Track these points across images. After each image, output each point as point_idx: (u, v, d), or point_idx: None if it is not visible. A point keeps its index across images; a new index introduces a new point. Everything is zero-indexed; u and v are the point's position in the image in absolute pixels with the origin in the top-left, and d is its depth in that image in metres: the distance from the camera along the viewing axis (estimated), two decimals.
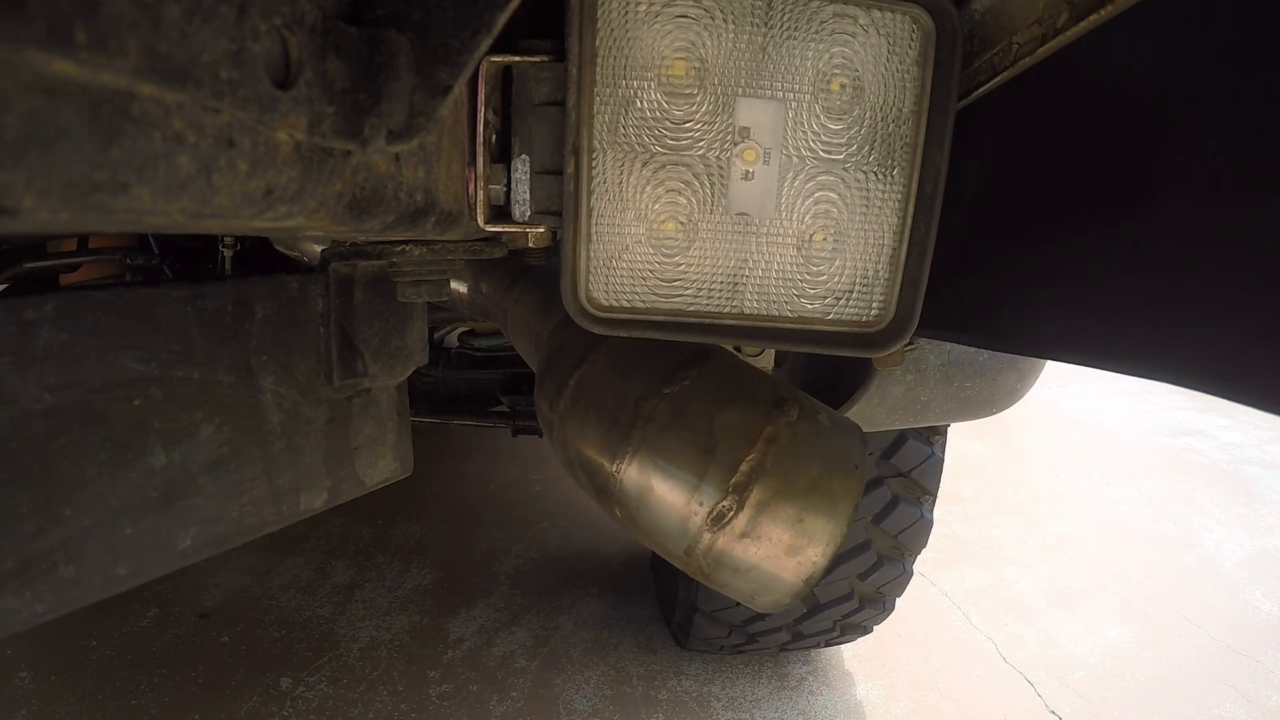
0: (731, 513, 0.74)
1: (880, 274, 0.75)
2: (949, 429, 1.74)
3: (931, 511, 1.79)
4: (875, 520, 1.75)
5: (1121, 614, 2.62)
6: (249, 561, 2.60)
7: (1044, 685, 2.23)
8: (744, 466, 0.74)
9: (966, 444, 4.11)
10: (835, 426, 0.82)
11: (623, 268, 0.75)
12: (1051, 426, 4.60)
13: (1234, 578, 2.90)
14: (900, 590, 1.91)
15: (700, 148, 0.70)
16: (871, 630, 2.07)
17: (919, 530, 1.79)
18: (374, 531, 2.84)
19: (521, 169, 0.73)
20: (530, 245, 0.76)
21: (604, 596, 2.52)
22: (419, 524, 2.92)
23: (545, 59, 0.71)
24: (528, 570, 2.66)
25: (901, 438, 1.67)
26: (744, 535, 0.75)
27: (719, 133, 0.70)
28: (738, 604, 1.77)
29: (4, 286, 1.56)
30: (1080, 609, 2.64)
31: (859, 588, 1.84)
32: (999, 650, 2.38)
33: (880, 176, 0.71)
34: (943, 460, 1.74)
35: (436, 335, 2.06)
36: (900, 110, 0.69)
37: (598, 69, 0.67)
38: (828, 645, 2.15)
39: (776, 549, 0.75)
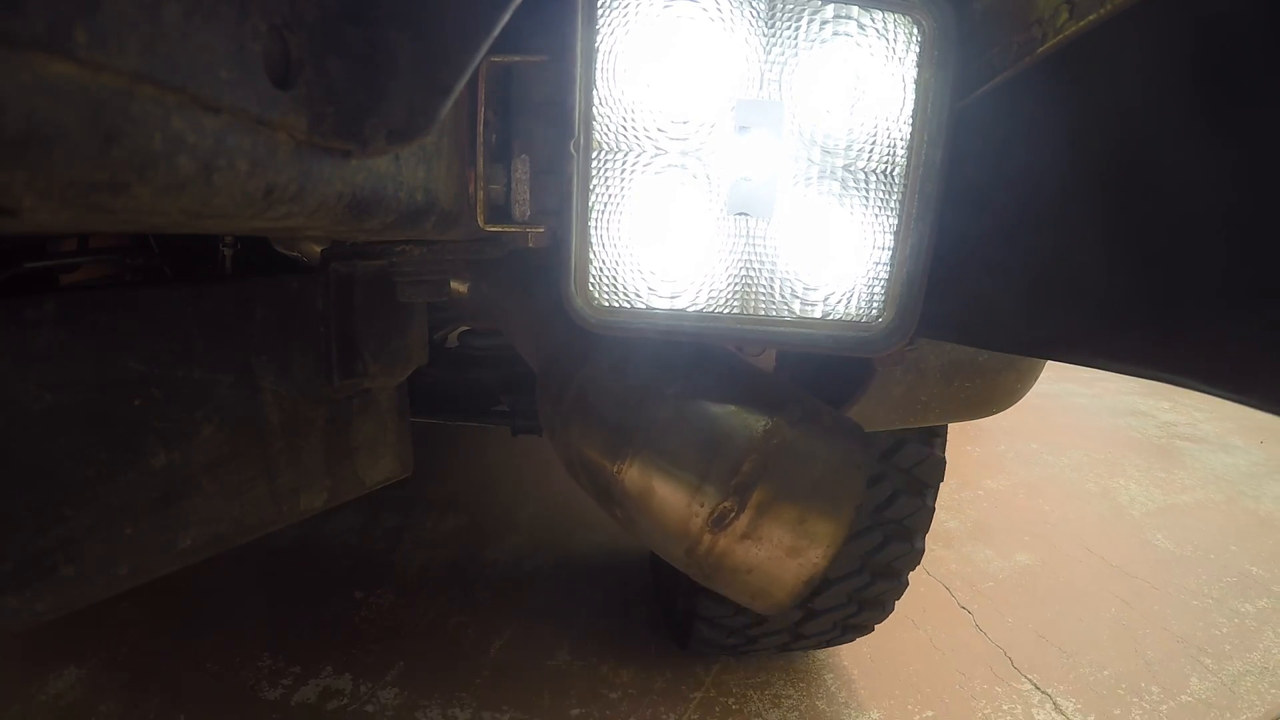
0: (733, 514, 0.74)
1: (880, 274, 0.75)
2: (946, 459, 1.73)
3: (923, 542, 1.80)
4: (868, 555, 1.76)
5: (1032, 545, 3.08)
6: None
7: (958, 590, 2.73)
8: (746, 467, 0.74)
9: None
10: (836, 427, 0.82)
11: (622, 268, 0.75)
12: None
13: (1140, 523, 3.28)
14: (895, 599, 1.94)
15: (700, 148, 0.70)
16: (872, 629, 2.08)
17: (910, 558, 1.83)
18: (407, 492, 3.28)
19: (521, 169, 0.73)
20: (530, 245, 0.76)
21: (608, 533, 2.96)
22: (447, 484, 3.47)
23: (545, 59, 0.71)
24: (543, 516, 3.17)
25: (901, 447, 1.65)
26: (745, 536, 0.75)
27: (719, 132, 0.70)
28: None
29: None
30: (997, 541, 3.10)
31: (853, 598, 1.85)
32: (923, 566, 2.69)
33: (880, 176, 0.71)
34: (933, 507, 1.74)
35: (436, 335, 2.06)
36: (900, 110, 0.69)
37: (597, 69, 0.67)
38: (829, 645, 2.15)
39: (778, 550, 0.75)
